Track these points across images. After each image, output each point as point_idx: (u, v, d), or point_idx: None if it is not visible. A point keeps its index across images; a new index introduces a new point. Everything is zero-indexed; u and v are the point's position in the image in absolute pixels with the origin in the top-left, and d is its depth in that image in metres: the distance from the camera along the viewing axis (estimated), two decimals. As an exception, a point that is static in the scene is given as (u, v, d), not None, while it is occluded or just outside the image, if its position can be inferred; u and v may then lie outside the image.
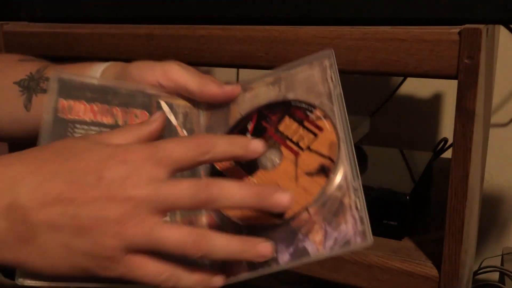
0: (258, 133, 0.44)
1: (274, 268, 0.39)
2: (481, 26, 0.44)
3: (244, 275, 0.39)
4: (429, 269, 0.51)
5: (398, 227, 0.57)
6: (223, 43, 0.56)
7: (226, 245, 0.36)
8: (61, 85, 0.44)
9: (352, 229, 0.38)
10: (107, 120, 0.45)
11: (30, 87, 0.54)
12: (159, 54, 0.60)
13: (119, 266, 0.36)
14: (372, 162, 0.72)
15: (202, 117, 0.47)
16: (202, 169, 0.45)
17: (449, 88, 0.97)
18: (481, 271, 0.90)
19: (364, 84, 1.03)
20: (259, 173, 0.43)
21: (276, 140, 0.43)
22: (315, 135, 0.42)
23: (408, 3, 0.49)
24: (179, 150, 0.37)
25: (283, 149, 0.43)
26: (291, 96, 0.44)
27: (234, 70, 1.10)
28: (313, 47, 0.51)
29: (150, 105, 0.46)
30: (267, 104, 0.45)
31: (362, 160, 0.72)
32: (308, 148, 0.42)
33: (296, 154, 0.42)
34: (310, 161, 0.41)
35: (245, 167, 0.43)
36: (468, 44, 0.44)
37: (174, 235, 0.35)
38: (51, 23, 0.70)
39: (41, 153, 0.38)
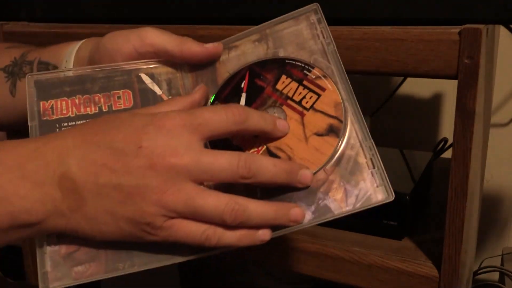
0: (254, 92, 0.43)
1: (297, 226, 0.39)
2: (481, 26, 0.44)
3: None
4: (429, 269, 0.51)
5: (398, 227, 0.57)
6: (223, 43, 0.56)
7: (261, 211, 0.38)
8: (38, 87, 0.44)
9: (372, 186, 0.39)
10: (91, 109, 0.44)
11: (14, 72, 0.54)
12: (159, 54, 0.60)
13: (161, 231, 0.37)
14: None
15: (186, 80, 0.46)
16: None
17: (449, 88, 0.97)
18: (481, 271, 0.90)
19: (364, 84, 1.03)
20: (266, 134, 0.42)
21: (277, 100, 0.43)
22: (318, 95, 0.42)
23: (408, 3, 0.49)
24: (215, 118, 0.38)
25: (286, 109, 0.42)
26: (282, 53, 0.44)
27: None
28: (313, 47, 0.51)
29: (130, 82, 0.45)
30: (258, 61, 0.44)
31: (362, 160, 0.72)
32: (313, 107, 0.42)
33: (301, 114, 0.42)
34: (317, 121, 0.41)
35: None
36: (468, 44, 0.44)
37: (213, 203, 0.37)
38: (51, 23, 0.70)
39: (85, 127, 0.39)
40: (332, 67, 0.43)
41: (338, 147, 0.40)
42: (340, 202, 0.39)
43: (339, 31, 0.50)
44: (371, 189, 0.39)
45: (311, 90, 0.42)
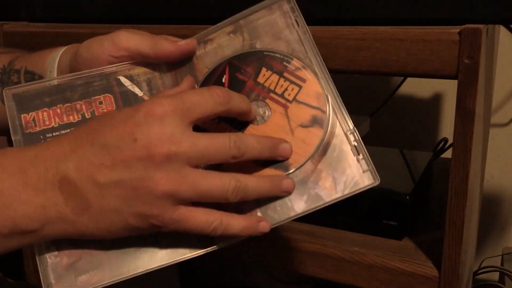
0: (236, 86, 0.43)
1: (292, 216, 0.41)
2: (481, 26, 0.44)
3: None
4: (429, 269, 0.51)
5: (398, 227, 0.57)
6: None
7: (258, 185, 0.39)
8: (17, 101, 0.44)
9: (358, 172, 0.41)
10: (74, 117, 0.44)
11: (3, 80, 0.54)
12: (159, 54, 0.60)
13: (170, 222, 0.37)
14: (372, 162, 0.72)
15: (166, 79, 0.46)
16: None
17: (449, 88, 0.97)
18: (481, 271, 0.90)
19: (364, 84, 1.03)
20: (250, 129, 0.43)
21: (259, 93, 0.43)
22: (299, 86, 0.42)
23: (408, 3, 0.49)
24: (202, 101, 0.38)
25: (269, 102, 0.43)
26: (258, 45, 0.44)
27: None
28: (313, 47, 0.51)
29: (110, 86, 0.45)
30: (237, 55, 0.44)
31: (362, 160, 0.72)
32: (295, 99, 0.42)
33: (284, 106, 0.42)
34: (301, 113, 0.42)
35: (234, 125, 0.43)
36: (468, 44, 0.44)
37: (217, 183, 0.37)
38: (51, 23, 0.70)
39: (79, 130, 0.39)
40: (310, 57, 0.43)
41: (323, 137, 0.41)
42: (330, 189, 0.41)
43: (339, 31, 0.50)
44: (357, 175, 0.41)
45: (292, 82, 0.42)
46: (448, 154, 0.84)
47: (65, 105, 0.44)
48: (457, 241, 0.48)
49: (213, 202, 0.38)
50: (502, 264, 0.89)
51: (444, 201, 0.49)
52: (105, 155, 0.36)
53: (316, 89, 0.42)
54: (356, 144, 0.41)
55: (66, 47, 0.51)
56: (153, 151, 0.36)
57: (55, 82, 0.44)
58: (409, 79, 0.94)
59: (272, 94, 0.43)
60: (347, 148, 0.41)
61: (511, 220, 0.99)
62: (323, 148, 0.41)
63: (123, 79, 0.45)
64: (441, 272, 0.50)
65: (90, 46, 0.46)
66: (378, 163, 0.72)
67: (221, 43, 0.45)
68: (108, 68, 0.45)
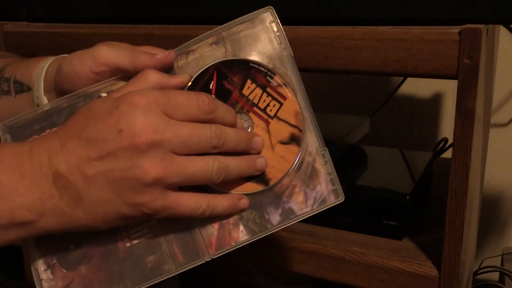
0: (222, 95, 0.44)
1: (270, 229, 0.44)
2: (481, 26, 0.44)
3: (245, 238, 0.44)
4: (429, 269, 0.51)
5: (398, 227, 0.57)
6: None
7: (238, 164, 0.41)
8: (11, 133, 0.45)
9: (326, 189, 0.44)
10: None
11: None
12: (159, 54, 0.60)
13: (161, 208, 0.39)
14: (372, 162, 0.72)
15: None
16: None
17: (449, 88, 0.97)
18: (481, 271, 0.90)
19: (364, 84, 1.03)
20: None
21: (244, 106, 0.44)
22: (280, 103, 0.44)
23: (408, 3, 0.49)
24: (188, 104, 0.39)
25: (252, 116, 0.44)
26: (242, 56, 0.44)
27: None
28: (313, 47, 0.51)
29: None
30: (225, 60, 0.44)
31: (362, 160, 0.72)
32: (276, 116, 0.44)
33: (266, 122, 0.44)
34: (280, 129, 0.44)
35: None
36: (468, 44, 0.44)
37: (202, 166, 0.39)
38: (51, 23, 0.70)
39: (68, 124, 0.40)
40: (290, 75, 0.44)
41: (299, 155, 0.44)
42: (301, 204, 0.44)
43: (339, 31, 0.50)
44: (326, 191, 0.44)
45: (274, 98, 0.44)
46: (448, 154, 0.84)
47: (53, 129, 0.44)
48: (457, 241, 0.48)
49: (199, 185, 0.40)
50: (502, 264, 0.89)
51: (444, 201, 0.49)
52: (92, 148, 0.37)
53: (295, 108, 0.44)
54: (326, 163, 0.44)
55: (53, 59, 0.51)
56: (137, 141, 0.37)
57: (44, 108, 0.45)
58: (409, 79, 0.94)
59: (255, 108, 0.44)
60: (319, 166, 0.44)
61: (511, 220, 0.99)
62: (298, 165, 0.44)
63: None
64: (441, 272, 0.50)
65: (72, 61, 0.46)
66: (378, 163, 0.72)
67: (203, 53, 0.45)
68: (91, 87, 0.45)
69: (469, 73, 0.45)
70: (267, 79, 0.44)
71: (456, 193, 0.48)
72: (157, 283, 0.43)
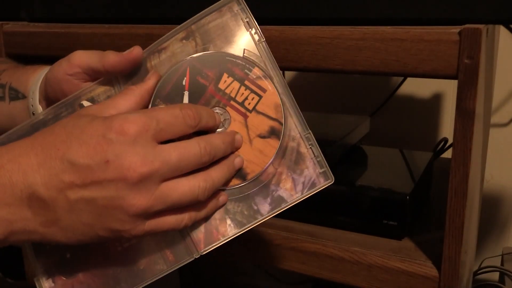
0: (196, 90, 0.43)
1: (259, 219, 0.43)
2: (481, 26, 0.44)
3: (234, 232, 0.43)
4: (429, 269, 0.51)
5: (398, 227, 0.57)
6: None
7: (221, 175, 0.41)
8: None
9: (314, 172, 0.43)
10: None
11: None
12: (159, 54, 0.60)
13: (142, 234, 0.39)
14: (372, 162, 0.72)
15: None
16: None
17: (449, 88, 0.97)
18: (481, 271, 0.90)
19: (364, 84, 1.03)
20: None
21: (220, 100, 0.43)
22: (259, 96, 0.43)
23: (408, 3, 0.49)
24: (175, 123, 0.39)
25: (229, 110, 0.43)
26: (211, 48, 0.44)
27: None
28: (313, 47, 0.51)
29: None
30: (198, 56, 0.44)
31: (362, 160, 0.72)
32: (255, 109, 0.43)
33: (244, 116, 0.43)
34: (259, 123, 0.43)
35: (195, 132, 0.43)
36: (468, 44, 0.44)
37: (187, 190, 0.39)
38: (51, 23, 0.70)
39: (46, 140, 0.38)
40: (264, 60, 0.44)
41: (279, 149, 0.43)
42: (290, 190, 0.43)
43: (339, 31, 0.50)
44: (314, 175, 0.43)
45: (252, 91, 0.43)
46: (448, 154, 0.84)
47: (26, 138, 0.44)
48: (457, 241, 0.48)
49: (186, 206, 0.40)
50: (502, 264, 0.89)
51: (444, 201, 0.49)
52: (76, 174, 0.36)
53: (275, 100, 0.43)
54: (312, 146, 0.43)
55: (49, 68, 0.50)
56: (125, 174, 0.36)
57: (32, 121, 0.45)
58: (409, 79, 0.94)
59: (232, 102, 0.43)
60: (304, 150, 0.44)
61: (511, 220, 0.99)
62: (282, 151, 0.43)
63: (85, 103, 0.45)
64: (441, 272, 0.50)
65: (52, 68, 0.47)
66: (378, 163, 0.72)
67: (174, 50, 0.44)
68: (71, 96, 0.45)
69: (469, 73, 0.45)
70: (245, 72, 0.43)
71: (456, 193, 0.48)
72: (158, 282, 0.43)
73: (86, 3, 0.67)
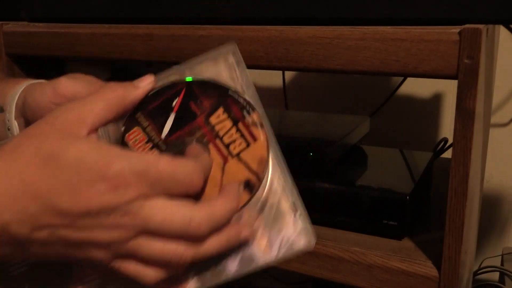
0: (185, 116, 0.40)
1: (223, 279, 0.39)
2: (481, 26, 0.44)
3: (194, 286, 0.40)
4: (429, 269, 0.51)
5: (398, 227, 0.57)
6: (223, 43, 0.56)
7: (217, 246, 0.37)
8: None
9: (294, 232, 0.39)
10: None
11: None
12: (158, 54, 0.60)
13: (113, 267, 0.37)
14: (372, 162, 0.72)
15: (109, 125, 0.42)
16: None
17: (449, 88, 0.97)
18: (481, 271, 0.90)
19: (364, 84, 1.03)
20: None
21: (205, 134, 0.40)
22: (248, 143, 0.40)
23: (408, 3, 0.49)
24: (175, 185, 0.36)
25: (212, 148, 0.40)
26: None
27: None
28: (313, 47, 0.51)
29: None
30: (200, 80, 0.41)
31: (362, 160, 0.72)
32: (238, 155, 0.40)
33: (224, 159, 0.40)
34: (237, 171, 0.40)
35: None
36: (468, 44, 0.44)
37: (160, 248, 0.36)
38: (51, 23, 0.70)
39: (24, 171, 0.34)
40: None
41: (246, 205, 0.40)
42: (265, 250, 0.39)
43: (339, 31, 0.50)
44: (293, 235, 0.39)
45: (242, 136, 0.40)
46: (448, 154, 0.84)
47: None
48: (457, 241, 0.48)
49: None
50: (502, 264, 0.89)
51: (444, 201, 0.49)
52: (54, 218, 0.34)
53: (262, 153, 0.40)
54: (295, 200, 0.40)
55: (28, 84, 0.48)
56: (105, 224, 0.35)
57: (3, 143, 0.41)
58: (409, 79, 0.94)
59: (217, 141, 0.40)
60: (285, 206, 0.40)
61: (511, 220, 0.99)
62: (261, 206, 0.40)
63: None
64: (441, 272, 0.50)
65: (34, 92, 0.45)
66: (378, 163, 0.72)
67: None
68: None
69: (469, 73, 0.45)
70: (243, 114, 0.40)
71: (456, 193, 0.48)
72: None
73: (86, 3, 0.67)
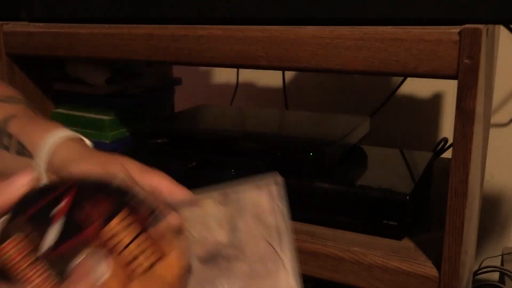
0: (72, 223, 0.32)
1: None
2: (481, 26, 0.44)
3: None
4: (429, 269, 0.51)
5: (398, 227, 0.57)
6: (223, 43, 0.56)
7: None
8: None
9: None
10: None
11: None
12: (158, 54, 0.60)
13: None
14: (372, 162, 0.72)
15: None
16: None
17: (449, 88, 0.97)
18: (481, 271, 0.90)
19: (364, 84, 1.03)
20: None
21: (100, 247, 0.33)
22: (158, 257, 0.34)
23: (408, 3, 0.49)
24: None
25: (111, 263, 0.33)
26: (240, 223, 0.40)
27: (234, 70, 1.11)
28: (313, 47, 0.51)
29: None
30: (92, 182, 0.34)
31: (362, 160, 0.72)
32: (145, 273, 0.33)
33: (128, 277, 0.33)
34: None
35: (56, 270, 0.33)
36: (468, 44, 0.44)
37: None
38: (51, 23, 0.70)
39: None
40: (284, 250, 0.40)
41: None
42: None
43: (339, 31, 0.50)
44: None
45: (150, 248, 0.34)
46: (448, 154, 0.84)
47: None
48: (457, 241, 0.48)
49: None
50: (502, 264, 0.89)
51: (444, 201, 0.49)
52: None
53: (171, 274, 0.34)
54: None
55: (64, 140, 0.45)
56: None
57: None
58: (409, 79, 0.94)
59: (117, 255, 0.33)
60: None
61: (511, 220, 0.99)
62: None
63: None
64: (441, 272, 0.50)
65: (81, 165, 0.42)
66: (378, 163, 0.72)
67: (207, 209, 0.41)
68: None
69: (469, 73, 0.45)
70: (150, 221, 0.34)
71: (456, 193, 0.48)
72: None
73: (86, 3, 0.67)
